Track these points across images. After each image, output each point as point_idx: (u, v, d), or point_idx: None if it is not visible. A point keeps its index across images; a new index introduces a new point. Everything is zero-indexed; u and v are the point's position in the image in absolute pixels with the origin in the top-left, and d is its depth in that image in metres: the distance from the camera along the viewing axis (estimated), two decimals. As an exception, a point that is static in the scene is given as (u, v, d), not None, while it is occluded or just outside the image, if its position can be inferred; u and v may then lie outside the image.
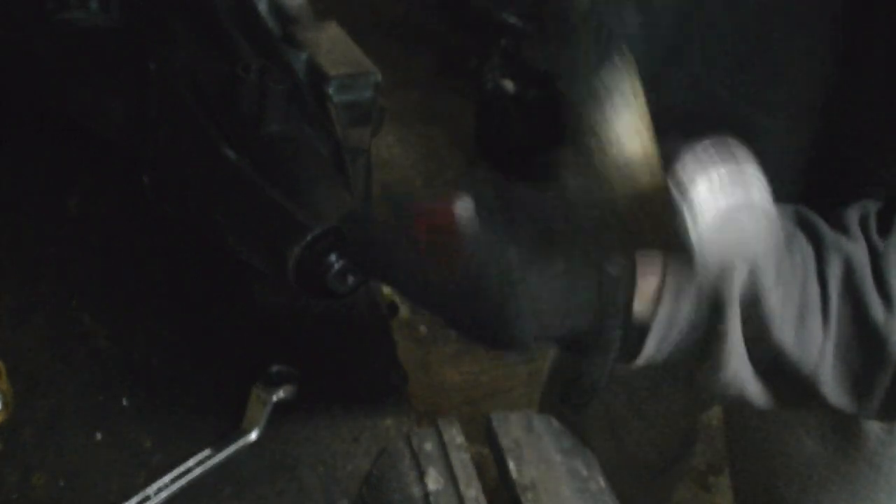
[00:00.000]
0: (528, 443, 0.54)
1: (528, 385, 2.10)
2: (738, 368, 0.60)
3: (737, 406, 0.99)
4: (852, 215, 0.61)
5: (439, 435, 0.53)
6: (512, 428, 0.55)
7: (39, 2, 0.96)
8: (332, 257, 0.75)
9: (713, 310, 0.60)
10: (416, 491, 0.51)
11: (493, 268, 0.58)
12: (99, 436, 0.78)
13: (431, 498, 0.50)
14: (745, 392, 0.62)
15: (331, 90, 0.84)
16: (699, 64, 0.79)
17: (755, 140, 0.74)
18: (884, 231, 0.59)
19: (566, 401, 0.61)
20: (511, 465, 0.52)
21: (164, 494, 0.73)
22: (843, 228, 0.60)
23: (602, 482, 0.55)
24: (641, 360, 0.61)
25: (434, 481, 0.51)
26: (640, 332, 0.60)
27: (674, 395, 1.14)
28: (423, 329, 2.21)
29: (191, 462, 0.75)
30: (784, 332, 0.58)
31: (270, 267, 0.78)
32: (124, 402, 0.80)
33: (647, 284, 0.60)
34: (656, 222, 0.59)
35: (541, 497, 0.50)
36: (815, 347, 0.59)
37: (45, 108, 0.99)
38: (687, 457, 1.29)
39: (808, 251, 0.60)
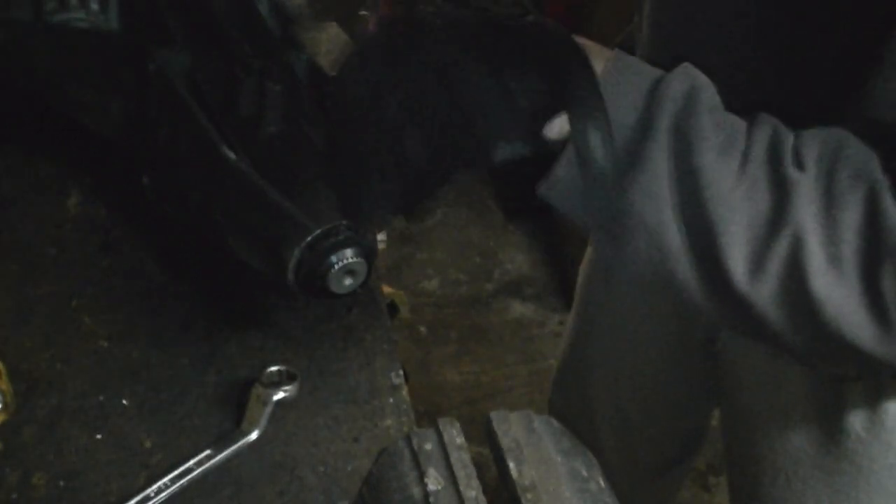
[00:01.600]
0: (528, 443, 0.54)
1: (528, 385, 2.10)
2: (661, 186, 0.58)
3: (729, 392, 1.00)
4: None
5: (439, 435, 0.53)
6: (512, 428, 0.55)
7: (39, 2, 0.96)
8: (333, 258, 0.75)
9: (648, 105, 0.58)
10: (416, 491, 0.51)
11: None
12: (99, 436, 0.78)
13: (431, 498, 0.50)
14: (662, 227, 0.59)
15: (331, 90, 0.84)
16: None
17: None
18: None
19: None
20: (511, 466, 0.52)
21: (164, 494, 0.73)
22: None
23: (602, 482, 0.55)
24: (566, 158, 0.60)
25: (434, 481, 0.51)
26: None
27: (680, 390, 1.15)
28: (423, 329, 2.22)
29: (191, 462, 0.75)
30: (707, 152, 0.57)
31: (270, 267, 0.78)
32: (124, 402, 0.80)
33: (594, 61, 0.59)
34: None
35: (541, 497, 0.50)
36: (728, 188, 0.57)
37: (45, 108, 0.99)
38: (692, 457, 1.30)
39: (741, 116, 0.60)
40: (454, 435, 0.54)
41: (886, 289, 0.55)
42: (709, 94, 0.60)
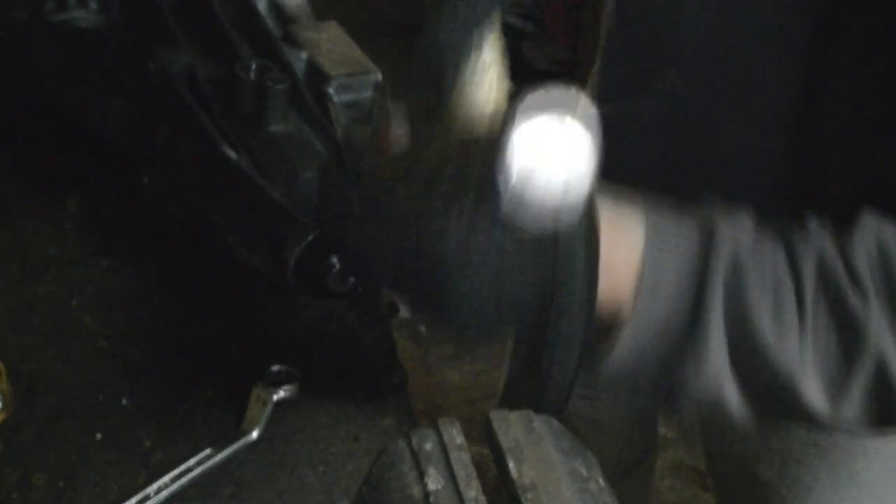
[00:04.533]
0: (528, 443, 0.54)
1: (527, 385, 2.10)
2: (718, 364, 0.58)
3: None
4: (809, 217, 0.61)
5: (439, 435, 0.53)
6: (512, 428, 0.55)
7: (39, 2, 0.96)
8: (333, 258, 0.75)
9: (697, 291, 0.57)
10: (416, 491, 0.51)
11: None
12: (99, 436, 0.78)
13: (431, 498, 0.50)
14: (722, 394, 0.59)
15: (331, 90, 0.84)
16: (674, 74, 0.79)
17: (729, 150, 0.74)
18: (845, 235, 0.59)
19: (539, 408, 0.58)
20: (511, 465, 0.52)
21: (164, 494, 0.73)
22: (803, 227, 0.60)
23: (602, 482, 0.55)
24: (617, 354, 0.58)
25: (434, 481, 0.51)
26: (610, 314, 0.57)
27: (629, 411, 1.13)
28: (423, 329, 2.22)
29: (191, 462, 0.75)
30: (764, 323, 0.57)
31: (270, 267, 0.78)
32: (124, 402, 0.80)
33: (615, 250, 0.57)
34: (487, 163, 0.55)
35: (541, 497, 0.50)
36: (794, 342, 0.57)
37: (45, 108, 0.99)
38: (648, 462, 1.29)
39: (778, 248, 0.59)
40: (454, 435, 0.53)
41: None
42: (748, 247, 0.58)
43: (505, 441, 0.53)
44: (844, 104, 0.67)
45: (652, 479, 1.37)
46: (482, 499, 0.50)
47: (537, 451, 0.53)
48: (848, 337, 0.56)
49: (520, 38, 2.56)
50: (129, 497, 0.73)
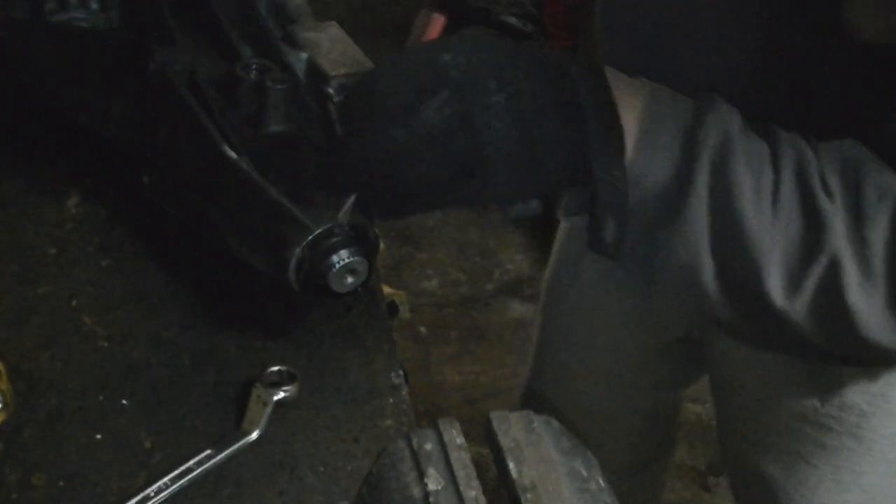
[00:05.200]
0: (528, 443, 0.54)
1: (528, 385, 2.10)
2: (698, 231, 0.60)
3: (724, 382, 1.00)
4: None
5: (439, 435, 0.53)
6: (512, 428, 0.55)
7: (39, 2, 0.96)
8: (333, 257, 0.75)
9: (686, 159, 0.60)
10: (415, 491, 0.51)
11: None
12: (99, 436, 0.78)
13: (431, 498, 0.50)
14: (698, 262, 0.62)
15: (331, 90, 0.84)
16: (623, 51, 0.81)
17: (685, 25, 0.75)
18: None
19: (597, 249, 0.61)
20: (511, 466, 0.52)
21: (164, 494, 0.73)
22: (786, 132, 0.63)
23: (602, 482, 0.55)
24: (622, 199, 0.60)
25: (434, 481, 0.51)
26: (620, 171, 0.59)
27: (647, 388, 1.14)
28: (423, 329, 2.22)
29: (191, 462, 0.75)
30: (744, 201, 0.59)
31: (271, 267, 0.78)
32: (124, 402, 0.80)
33: (626, 112, 0.59)
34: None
35: (541, 497, 0.50)
36: (766, 226, 0.60)
37: (45, 108, 0.99)
38: (665, 457, 1.29)
39: (763, 142, 0.61)
40: (454, 435, 0.53)
41: None
42: (738, 130, 0.61)
43: (505, 441, 0.53)
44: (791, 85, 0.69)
45: (662, 480, 1.37)
46: (482, 499, 0.50)
47: (537, 451, 0.53)
48: (811, 232, 0.59)
49: (520, 38, 2.56)
50: (129, 497, 0.73)
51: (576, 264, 1.08)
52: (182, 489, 0.74)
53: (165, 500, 0.73)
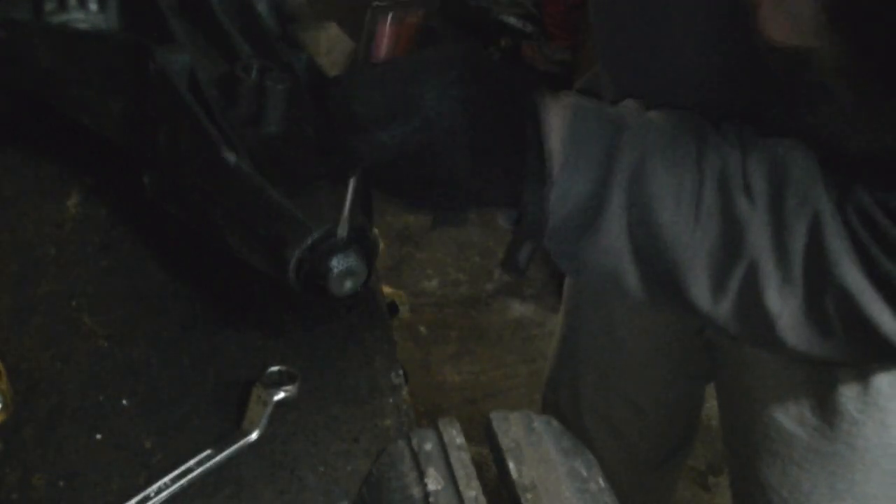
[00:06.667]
0: (528, 443, 0.54)
1: (528, 385, 2.10)
2: (617, 242, 0.64)
3: (727, 381, 1.00)
4: (731, 127, 0.65)
5: (439, 435, 0.53)
6: (512, 428, 0.55)
7: (39, 2, 0.96)
8: (333, 261, 0.75)
9: (604, 173, 0.63)
10: (415, 491, 0.51)
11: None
12: (99, 436, 0.78)
13: (431, 498, 0.50)
14: (620, 269, 0.65)
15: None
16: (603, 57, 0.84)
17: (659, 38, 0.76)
18: (751, 142, 0.64)
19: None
20: (511, 466, 0.52)
21: (164, 494, 0.73)
22: (722, 134, 0.65)
23: (602, 482, 0.55)
24: (551, 216, 0.64)
25: (434, 481, 0.51)
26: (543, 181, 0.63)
27: (670, 381, 1.15)
28: (423, 329, 2.22)
29: (191, 462, 0.75)
30: (663, 213, 0.62)
31: (271, 267, 0.78)
32: (124, 402, 0.80)
33: (553, 136, 0.63)
34: None
35: (541, 497, 0.50)
36: (687, 234, 0.62)
37: (45, 108, 0.99)
38: (685, 450, 1.30)
39: (690, 146, 0.63)
40: (454, 435, 0.54)
41: (829, 308, 0.61)
42: (655, 144, 0.63)
43: (505, 441, 0.53)
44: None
45: (679, 473, 1.38)
46: (482, 499, 0.50)
47: (537, 451, 0.54)
48: (732, 237, 0.61)
49: (520, 38, 2.56)
50: (129, 497, 0.73)
51: None
52: (182, 489, 0.74)
53: (165, 500, 0.73)
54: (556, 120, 0.63)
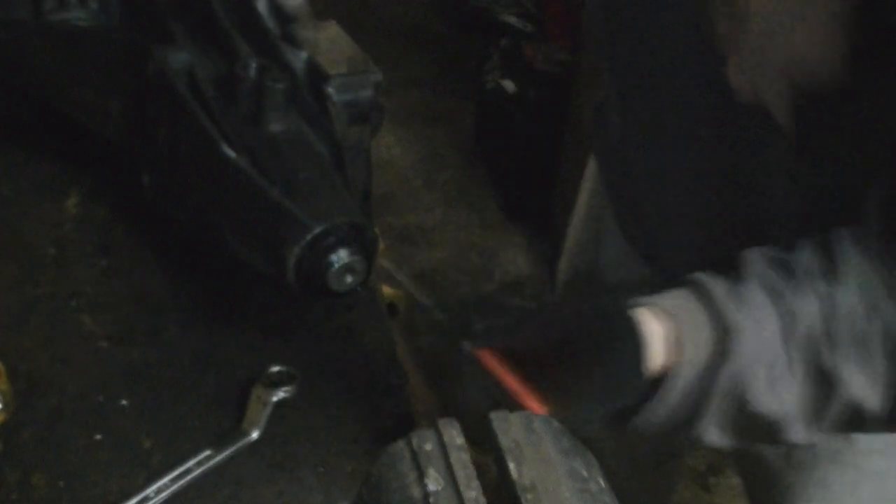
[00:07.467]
0: (528, 443, 0.54)
1: (528, 385, 2.09)
2: (708, 428, 0.71)
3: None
4: (799, 266, 0.70)
5: (439, 435, 0.53)
6: (512, 428, 0.55)
7: (39, 2, 0.96)
8: (332, 256, 0.75)
9: (702, 389, 0.69)
10: (415, 491, 0.51)
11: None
12: (99, 436, 0.78)
13: (431, 498, 0.50)
14: (704, 438, 0.71)
15: (331, 90, 0.84)
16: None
17: (657, 173, 0.83)
18: (828, 278, 0.68)
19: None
20: (511, 466, 0.52)
21: (164, 494, 0.73)
22: (795, 283, 0.69)
23: (602, 483, 0.55)
24: (639, 426, 0.70)
25: (434, 482, 0.51)
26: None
27: None
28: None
29: (191, 462, 0.75)
30: (759, 401, 0.68)
31: (270, 267, 0.78)
32: (124, 402, 0.80)
33: (656, 348, 0.68)
34: None
35: (541, 498, 0.50)
36: (784, 406, 0.69)
37: (45, 108, 0.99)
38: (686, 450, 1.31)
39: (774, 323, 0.68)
40: (454, 435, 0.53)
41: None
42: (754, 356, 0.68)
43: (505, 441, 0.53)
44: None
45: (679, 473, 1.39)
46: (482, 499, 0.50)
47: (537, 451, 0.53)
48: (824, 388, 0.68)
49: (520, 38, 2.56)
50: (128, 497, 0.73)
51: (594, 251, 1.09)
52: (182, 489, 0.74)
53: (165, 500, 0.73)
54: (658, 348, 0.68)
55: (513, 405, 0.66)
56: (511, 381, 0.67)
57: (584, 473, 0.54)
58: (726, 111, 0.70)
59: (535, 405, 0.66)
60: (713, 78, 0.70)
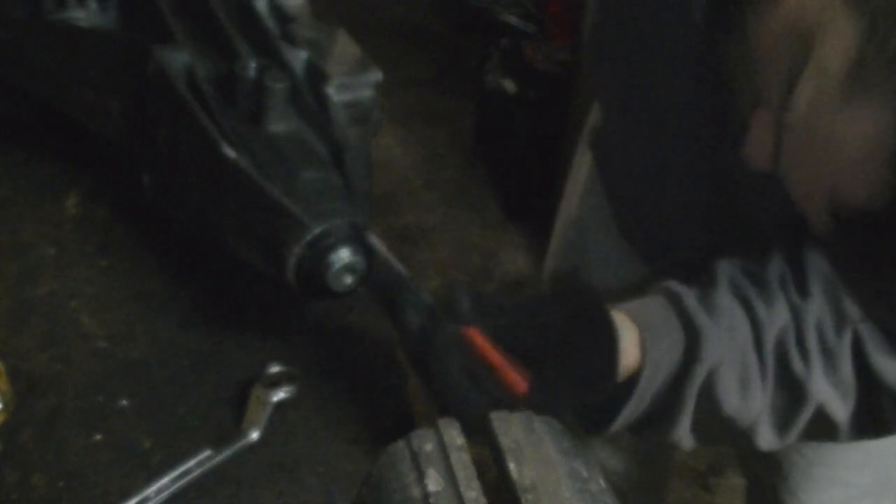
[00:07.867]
0: (528, 443, 0.54)
1: (528, 385, 2.10)
2: (682, 432, 0.73)
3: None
4: (772, 277, 0.72)
5: (439, 435, 0.53)
6: (512, 428, 0.54)
7: (38, 1, 0.96)
8: (332, 256, 0.75)
9: (675, 390, 0.71)
10: (415, 492, 0.51)
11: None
12: (99, 436, 0.78)
13: (431, 499, 0.50)
14: (679, 442, 0.74)
15: (331, 90, 0.84)
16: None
17: (657, 174, 0.85)
18: (801, 290, 0.71)
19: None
20: (511, 466, 0.52)
21: (164, 495, 0.73)
22: (768, 294, 0.71)
23: (603, 483, 0.55)
24: (615, 426, 0.72)
25: (434, 482, 0.51)
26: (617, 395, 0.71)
27: None
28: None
29: (191, 462, 0.75)
30: (731, 404, 0.70)
31: (270, 266, 0.78)
32: (124, 402, 0.80)
33: (629, 345, 0.70)
34: None
35: (541, 498, 0.50)
36: (755, 410, 0.71)
37: (45, 108, 0.99)
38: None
39: (746, 329, 0.70)
40: (454, 435, 0.53)
41: (883, 403, 0.71)
42: (725, 351, 0.70)
43: (505, 441, 0.53)
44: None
45: (666, 477, 1.38)
46: (482, 500, 0.50)
47: (537, 451, 0.53)
48: (794, 392, 0.70)
49: (520, 38, 2.56)
50: (128, 497, 0.73)
51: (580, 252, 1.09)
52: (182, 489, 0.74)
53: (165, 501, 0.73)
54: (633, 346, 0.70)
55: (494, 384, 0.67)
56: (494, 357, 0.67)
57: (585, 474, 0.54)
58: (726, 112, 0.70)
59: (516, 380, 0.67)
60: (713, 78, 0.70)
